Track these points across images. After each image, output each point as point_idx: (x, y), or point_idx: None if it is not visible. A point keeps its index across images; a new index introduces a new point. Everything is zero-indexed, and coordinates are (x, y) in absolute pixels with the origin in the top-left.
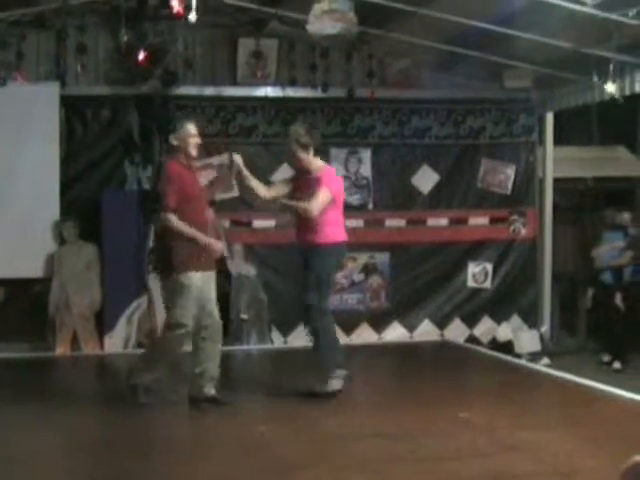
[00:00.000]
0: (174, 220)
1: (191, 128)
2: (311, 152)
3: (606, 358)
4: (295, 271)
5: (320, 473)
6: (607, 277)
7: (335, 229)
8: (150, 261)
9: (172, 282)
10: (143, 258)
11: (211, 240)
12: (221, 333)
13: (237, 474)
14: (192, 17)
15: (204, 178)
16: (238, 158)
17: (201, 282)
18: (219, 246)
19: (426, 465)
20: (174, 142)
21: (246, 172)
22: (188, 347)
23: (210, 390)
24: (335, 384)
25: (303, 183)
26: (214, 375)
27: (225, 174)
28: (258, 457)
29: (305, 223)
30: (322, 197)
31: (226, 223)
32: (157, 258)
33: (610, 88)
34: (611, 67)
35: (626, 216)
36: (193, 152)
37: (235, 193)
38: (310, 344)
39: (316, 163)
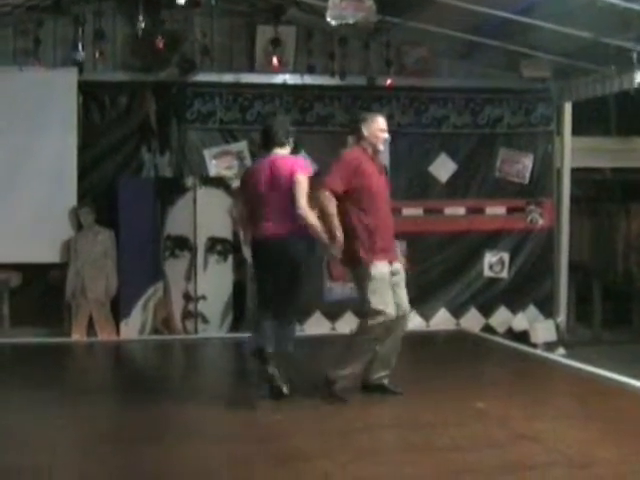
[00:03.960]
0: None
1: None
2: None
3: None
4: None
5: (333, 463)
6: None
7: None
8: None
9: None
10: (159, 244)
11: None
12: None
13: (247, 461)
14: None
15: (221, 165)
16: None
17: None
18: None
19: (441, 455)
20: (364, 132)
21: None
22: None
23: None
24: None
25: None
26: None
27: (243, 161)
28: (268, 445)
29: None
30: None
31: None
32: None
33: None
34: (635, 57)
35: None
36: (380, 146)
37: None
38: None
39: None
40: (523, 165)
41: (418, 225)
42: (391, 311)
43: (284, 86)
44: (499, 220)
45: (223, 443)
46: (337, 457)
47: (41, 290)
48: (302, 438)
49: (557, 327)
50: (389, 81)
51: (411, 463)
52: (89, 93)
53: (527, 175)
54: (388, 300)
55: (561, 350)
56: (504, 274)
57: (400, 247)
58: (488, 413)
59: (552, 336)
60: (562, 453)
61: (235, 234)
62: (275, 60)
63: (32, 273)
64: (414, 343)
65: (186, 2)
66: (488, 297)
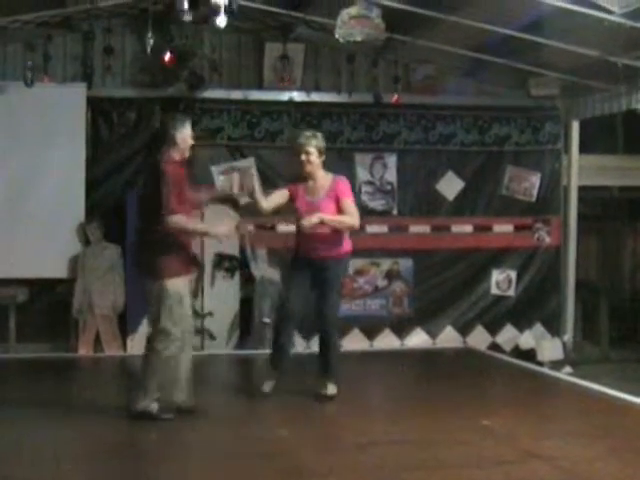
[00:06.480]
0: (183, 220)
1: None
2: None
3: None
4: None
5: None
6: None
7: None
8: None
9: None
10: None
11: (211, 227)
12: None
13: (252, 478)
14: (221, 22)
15: (227, 181)
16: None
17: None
18: (223, 229)
19: (447, 473)
20: (178, 139)
21: (257, 186)
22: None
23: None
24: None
25: (308, 191)
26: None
27: (249, 178)
28: (275, 461)
29: (331, 236)
30: (354, 207)
31: (250, 227)
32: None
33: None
34: None
35: None
36: (187, 153)
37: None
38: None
39: (322, 170)
40: (530, 183)
41: (425, 242)
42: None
43: (292, 103)
44: (506, 238)
45: (228, 459)
46: (343, 474)
47: (48, 305)
48: (308, 454)
49: (564, 345)
50: (395, 97)
51: None
52: (97, 108)
53: (534, 193)
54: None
55: (568, 368)
56: (511, 292)
57: (407, 264)
58: (495, 431)
59: (559, 354)
60: (569, 471)
61: (242, 250)
62: (283, 77)
63: (39, 288)
64: (420, 360)
65: (195, 18)
66: (495, 315)
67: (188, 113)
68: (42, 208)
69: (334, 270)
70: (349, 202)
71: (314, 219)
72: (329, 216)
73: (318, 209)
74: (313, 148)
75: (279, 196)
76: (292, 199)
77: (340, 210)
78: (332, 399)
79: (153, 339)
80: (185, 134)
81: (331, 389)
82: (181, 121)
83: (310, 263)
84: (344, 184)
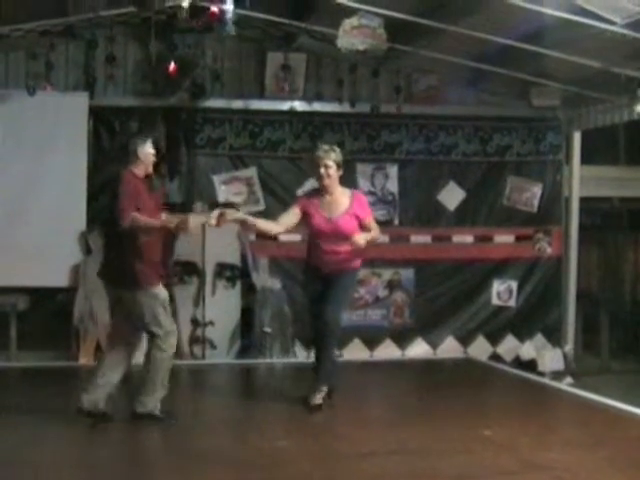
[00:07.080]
0: (139, 217)
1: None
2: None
3: None
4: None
5: None
6: None
7: None
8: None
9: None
10: (168, 269)
11: (179, 219)
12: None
13: None
14: (231, 29)
15: (230, 191)
16: (236, 214)
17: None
18: (191, 221)
19: None
20: (140, 155)
21: (248, 218)
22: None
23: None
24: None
25: (324, 206)
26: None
27: (252, 187)
28: (274, 471)
29: (350, 254)
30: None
31: (252, 236)
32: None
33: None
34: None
35: None
36: (150, 169)
37: (261, 206)
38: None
39: (339, 185)
40: (532, 193)
41: (426, 252)
42: None
43: (293, 113)
44: (507, 248)
45: (228, 469)
46: None
47: (49, 314)
48: (307, 464)
49: (564, 356)
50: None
51: None
52: (99, 117)
53: (536, 203)
54: None
55: (568, 379)
56: (512, 302)
57: (408, 274)
58: (496, 441)
59: (559, 365)
60: None
61: (244, 259)
62: (285, 86)
63: (40, 297)
64: (421, 370)
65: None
66: (496, 325)
67: (189, 123)
68: (44, 217)
69: (343, 282)
70: (371, 220)
71: (362, 240)
72: (369, 235)
73: (338, 227)
74: (332, 162)
75: (291, 217)
76: (305, 214)
77: (363, 228)
78: (318, 409)
79: (155, 339)
80: (147, 150)
81: (316, 399)
82: (142, 138)
83: (321, 275)
84: (364, 202)
